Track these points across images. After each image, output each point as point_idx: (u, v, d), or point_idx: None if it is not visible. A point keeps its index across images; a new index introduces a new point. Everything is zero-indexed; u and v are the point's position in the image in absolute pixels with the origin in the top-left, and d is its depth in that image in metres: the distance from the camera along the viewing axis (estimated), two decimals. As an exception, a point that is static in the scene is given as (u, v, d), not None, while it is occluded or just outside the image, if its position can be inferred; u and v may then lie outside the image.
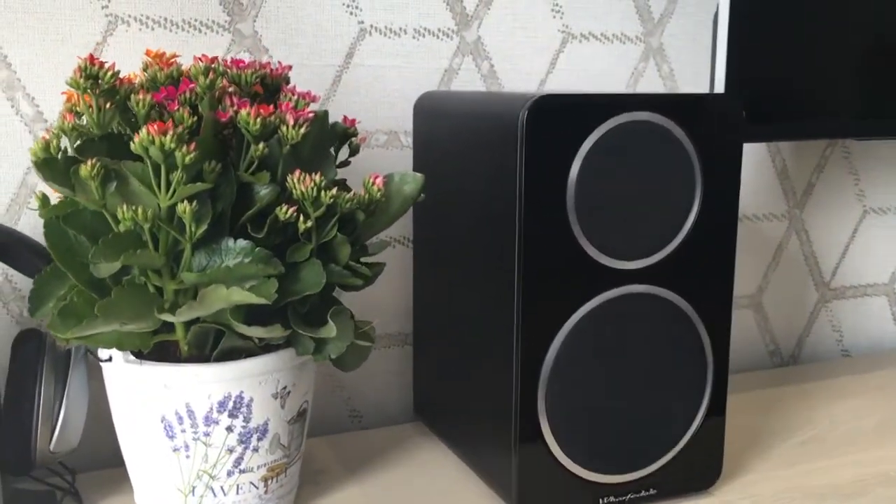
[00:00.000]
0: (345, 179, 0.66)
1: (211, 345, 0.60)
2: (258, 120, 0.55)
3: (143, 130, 0.51)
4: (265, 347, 0.61)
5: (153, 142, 0.51)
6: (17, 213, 0.71)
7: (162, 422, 0.59)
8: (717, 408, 0.69)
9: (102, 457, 0.72)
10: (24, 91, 0.70)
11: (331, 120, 0.64)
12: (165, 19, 0.73)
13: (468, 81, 0.84)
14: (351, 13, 0.79)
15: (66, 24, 0.70)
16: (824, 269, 1.06)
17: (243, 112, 0.55)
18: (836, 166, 1.03)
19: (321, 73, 0.78)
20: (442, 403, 0.78)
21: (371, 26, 0.80)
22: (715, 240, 0.66)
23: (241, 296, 0.52)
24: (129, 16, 0.72)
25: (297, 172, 0.57)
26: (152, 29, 0.73)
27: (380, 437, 0.80)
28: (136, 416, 0.60)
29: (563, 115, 0.60)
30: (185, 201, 0.53)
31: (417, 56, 0.82)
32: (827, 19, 0.82)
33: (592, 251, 0.62)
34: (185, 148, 0.52)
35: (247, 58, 0.76)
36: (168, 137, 0.51)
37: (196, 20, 0.74)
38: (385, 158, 0.82)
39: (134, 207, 0.52)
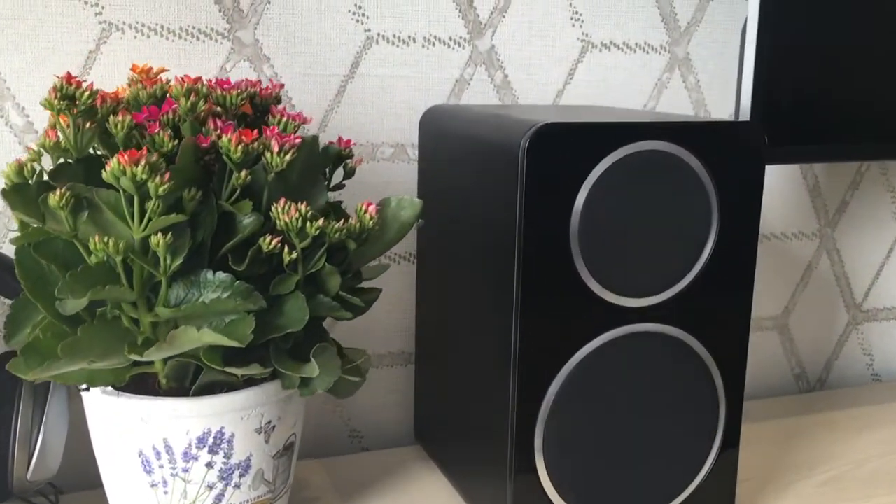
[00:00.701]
0: (340, 202, 0.63)
1: (191, 377, 0.57)
2: (240, 147, 0.52)
3: (115, 160, 0.48)
4: (248, 380, 0.58)
5: (124, 172, 0.48)
6: (4, 230, 0.69)
7: (139, 456, 0.57)
8: (729, 452, 0.65)
9: (89, 477, 0.70)
10: (13, 101, 0.68)
11: (330, 138, 0.60)
12: (162, 27, 0.70)
13: (480, 92, 0.80)
14: (357, 21, 0.75)
15: (57, 32, 0.67)
16: (856, 291, 1.01)
17: (224, 138, 0.52)
18: (873, 183, 0.98)
19: (325, 83, 0.75)
20: (441, 431, 0.74)
21: (378, 34, 0.76)
22: (730, 277, 0.62)
23: (212, 338, 0.49)
24: (124, 23, 0.69)
25: (282, 201, 0.54)
26: (148, 37, 0.70)
27: (378, 462, 0.78)
28: (114, 448, 0.58)
29: (567, 144, 0.56)
30: (160, 233, 0.50)
31: (427, 66, 0.78)
32: (862, 34, 0.77)
33: (596, 287, 0.58)
34: (158, 178, 0.49)
35: (247, 67, 0.73)
36: (140, 168, 0.48)
37: (194, 28, 0.71)
38: (391, 172, 0.79)
39: (106, 239, 0.49)
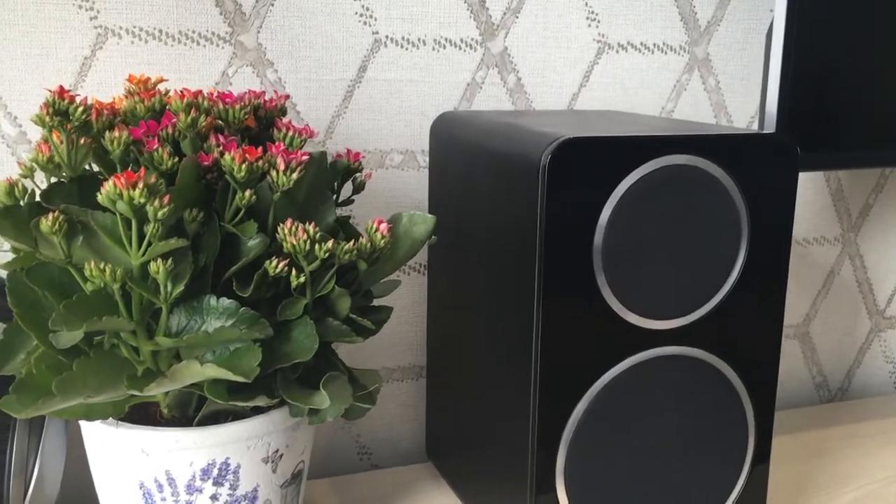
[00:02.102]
0: (348, 217, 0.60)
1: (195, 405, 0.54)
2: (244, 166, 0.49)
3: (110, 183, 0.45)
4: (255, 407, 0.55)
5: (121, 195, 0.45)
6: (-2, 244, 0.66)
7: (140, 488, 0.54)
8: (757, 480, 0.62)
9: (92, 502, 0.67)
10: (5, 110, 0.64)
11: (336, 145, 0.57)
12: (160, 31, 0.67)
13: (493, 96, 0.77)
14: (364, 23, 0.72)
15: (51, 37, 0.64)
16: (879, 297, 0.98)
17: (227, 156, 0.49)
18: (897, 186, 0.95)
19: (331, 88, 0.72)
20: (453, 448, 0.72)
21: (386, 37, 0.73)
22: (761, 297, 0.58)
23: (216, 372, 0.46)
24: (121, 27, 0.66)
25: (289, 223, 0.50)
26: (146, 42, 0.66)
27: (388, 481, 0.75)
28: (114, 480, 0.55)
29: (591, 160, 0.53)
30: (160, 259, 0.47)
31: (437, 69, 0.74)
32: (893, 34, 0.74)
33: (620, 309, 0.55)
34: (157, 201, 0.46)
35: (249, 72, 0.69)
36: (137, 191, 0.45)
37: (194, 32, 0.67)
38: (400, 180, 0.75)
39: (102, 265, 0.46)
